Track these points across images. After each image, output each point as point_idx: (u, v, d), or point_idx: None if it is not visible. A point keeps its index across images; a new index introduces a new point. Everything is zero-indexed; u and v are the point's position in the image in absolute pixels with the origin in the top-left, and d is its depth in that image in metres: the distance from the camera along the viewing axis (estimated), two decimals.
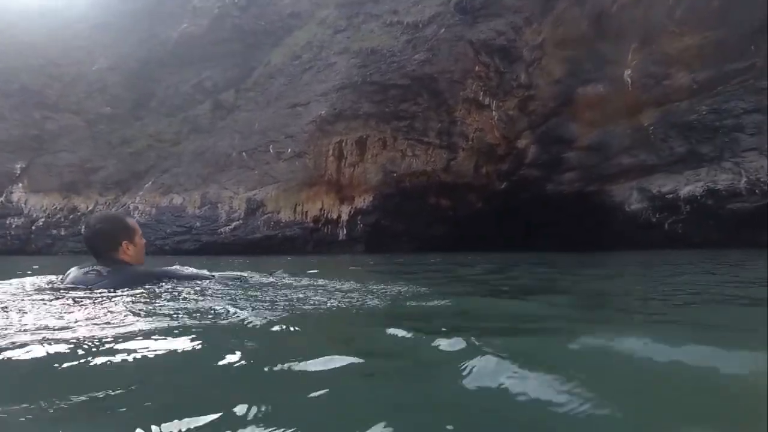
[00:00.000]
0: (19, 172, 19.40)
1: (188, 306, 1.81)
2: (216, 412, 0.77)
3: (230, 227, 17.42)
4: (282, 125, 17.95)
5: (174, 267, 2.99)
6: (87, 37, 19.61)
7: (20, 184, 19.44)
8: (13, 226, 19.09)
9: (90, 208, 18.83)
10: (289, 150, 17.61)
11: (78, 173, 19.10)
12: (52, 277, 2.63)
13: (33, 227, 19.16)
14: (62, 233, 18.88)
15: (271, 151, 17.88)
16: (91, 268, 2.43)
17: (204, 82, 19.53)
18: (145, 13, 20.30)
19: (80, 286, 2.31)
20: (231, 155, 18.19)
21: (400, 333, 1.39)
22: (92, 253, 2.56)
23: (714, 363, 0.99)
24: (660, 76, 15.16)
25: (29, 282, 2.86)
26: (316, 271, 5.30)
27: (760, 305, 2.29)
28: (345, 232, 16.52)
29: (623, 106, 15.40)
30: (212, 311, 1.71)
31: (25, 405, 0.82)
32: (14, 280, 3.05)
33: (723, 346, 1.14)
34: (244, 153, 18.08)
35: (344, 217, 16.65)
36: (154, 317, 1.60)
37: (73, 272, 2.47)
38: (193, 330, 1.39)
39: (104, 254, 2.51)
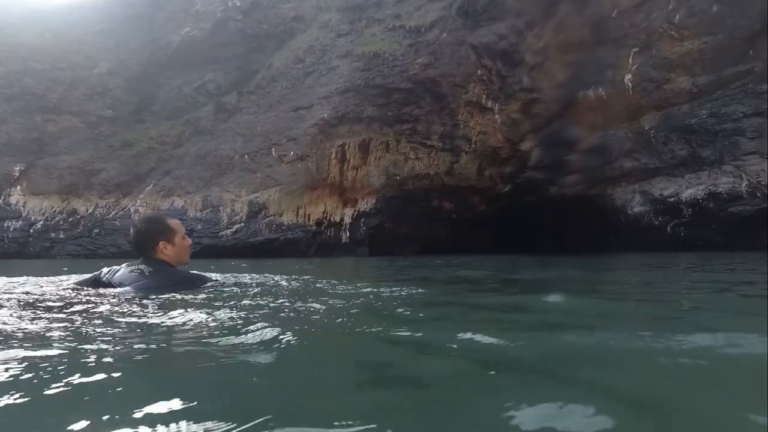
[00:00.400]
0: (17, 174, 19.22)
1: (211, 314, 1.77)
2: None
3: (231, 230, 17.33)
4: (284, 128, 17.94)
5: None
6: (89, 41, 19.54)
7: (18, 187, 19.25)
8: (11, 229, 18.86)
9: (90, 210, 18.68)
10: (292, 153, 17.59)
11: (78, 175, 18.94)
12: (105, 269, 2.74)
13: (31, 230, 18.95)
14: (61, 236, 18.68)
15: (273, 153, 17.86)
16: (136, 267, 2.57)
17: (207, 84, 19.51)
18: (147, 18, 20.30)
19: (124, 282, 2.48)
20: (233, 158, 18.14)
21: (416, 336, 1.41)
22: (136, 252, 2.70)
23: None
24: (660, 81, 15.32)
25: (71, 279, 3.01)
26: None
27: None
28: (348, 234, 16.49)
29: (624, 109, 15.54)
30: (237, 319, 1.67)
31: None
32: (63, 277, 3.15)
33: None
34: (246, 156, 18.03)
35: (347, 219, 16.62)
36: (170, 323, 1.61)
37: (122, 269, 2.63)
38: (211, 338, 1.37)
39: (145, 253, 2.64)
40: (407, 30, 17.78)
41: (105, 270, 2.70)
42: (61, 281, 3.05)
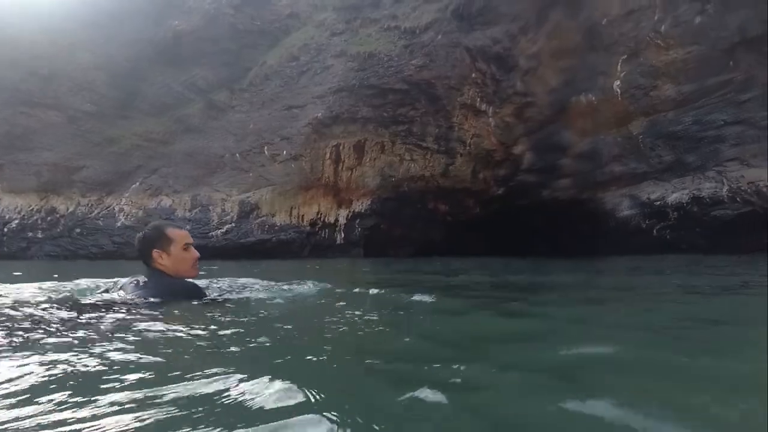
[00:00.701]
0: None
1: (194, 326, 1.72)
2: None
3: (222, 230, 16.95)
4: (277, 127, 17.66)
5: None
6: (71, 33, 18.62)
7: None
8: None
9: (71, 209, 17.89)
10: (285, 152, 17.33)
11: (58, 172, 18.08)
12: (114, 281, 2.85)
13: (5, 229, 18.00)
14: (39, 236, 17.82)
15: (265, 152, 17.55)
16: (135, 278, 2.63)
17: (197, 81, 18.95)
18: (133, 10, 19.53)
19: (120, 293, 2.55)
20: (224, 156, 17.73)
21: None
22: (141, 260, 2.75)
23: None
24: (647, 88, 15.83)
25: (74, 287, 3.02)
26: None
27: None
28: (343, 236, 16.38)
29: (613, 115, 15.99)
30: (220, 332, 1.61)
31: None
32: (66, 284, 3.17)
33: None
34: (237, 154, 17.66)
35: (342, 221, 16.50)
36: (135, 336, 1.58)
37: (127, 280, 2.70)
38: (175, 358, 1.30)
39: (144, 261, 2.66)
40: (402, 31, 17.77)
41: (116, 281, 2.81)
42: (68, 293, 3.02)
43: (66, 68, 18.38)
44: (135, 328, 1.65)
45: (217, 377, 1.01)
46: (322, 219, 16.61)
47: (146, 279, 2.56)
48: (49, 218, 17.97)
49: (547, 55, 16.47)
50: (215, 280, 3.52)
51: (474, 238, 15.97)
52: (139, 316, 1.97)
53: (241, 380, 0.99)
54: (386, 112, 16.73)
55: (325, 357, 1.22)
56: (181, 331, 1.60)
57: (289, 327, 1.74)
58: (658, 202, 15.13)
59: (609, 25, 16.48)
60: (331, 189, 16.79)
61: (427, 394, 0.90)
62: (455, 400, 0.89)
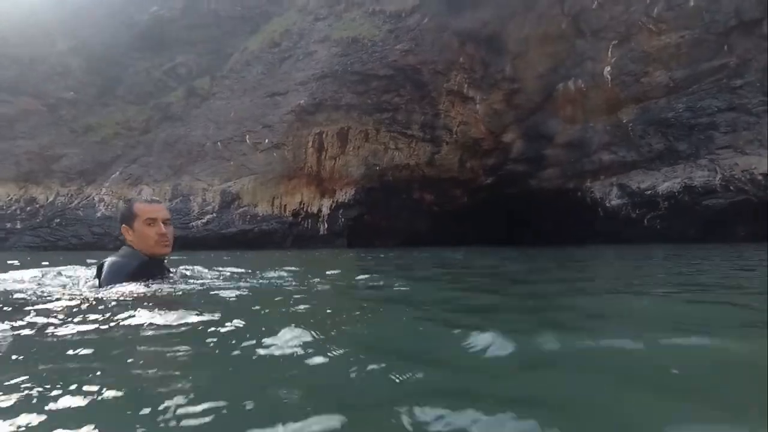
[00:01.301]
0: None
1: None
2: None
3: (203, 221, 16.62)
4: (259, 115, 17.25)
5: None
6: (47, 16, 18.16)
7: None
8: None
9: (50, 199, 17.57)
10: (267, 140, 16.94)
11: (37, 161, 17.72)
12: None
13: None
14: (18, 226, 17.51)
15: (247, 141, 17.16)
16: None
17: (177, 68, 18.49)
18: None
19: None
20: (205, 145, 17.34)
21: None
22: None
23: None
24: (638, 74, 15.35)
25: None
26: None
27: None
28: (326, 226, 16.04)
29: (604, 102, 15.52)
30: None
31: None
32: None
33: None
34: (218, 143, 17.27)
35: (325, 211, 16.15)
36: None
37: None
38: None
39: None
40: (387, 15, 17.29)
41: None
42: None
43: (43, 53, 17.93)
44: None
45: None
46: (304, 209, 16.26)
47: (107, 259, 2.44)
48: (28, 208, 17.66)
49: (536, 38, 15.96)
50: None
51: (461, 227, 15.62)
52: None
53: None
54: (370, 99, 16.29)
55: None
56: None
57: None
58: (649, 192, 14.73)
59: (599, 7, 15.95)
60: (314, 178, 16.42)
61: None
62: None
